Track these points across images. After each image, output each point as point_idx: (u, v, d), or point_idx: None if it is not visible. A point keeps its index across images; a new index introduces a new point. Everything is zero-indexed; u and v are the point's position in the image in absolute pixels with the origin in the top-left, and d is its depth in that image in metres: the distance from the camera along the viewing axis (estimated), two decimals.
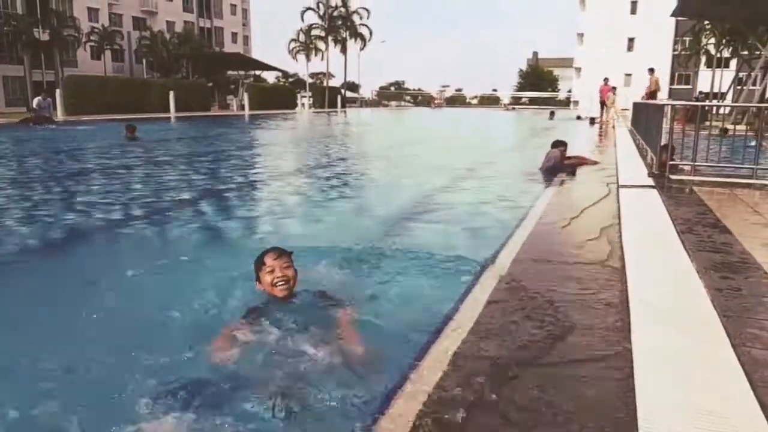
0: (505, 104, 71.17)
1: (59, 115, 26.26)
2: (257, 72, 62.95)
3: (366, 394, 2.47)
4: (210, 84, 46.80)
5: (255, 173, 11.23)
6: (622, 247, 4.48)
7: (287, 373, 2.64)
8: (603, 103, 28.49)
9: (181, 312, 3.44)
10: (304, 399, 2.43)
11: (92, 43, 58.21)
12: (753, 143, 12.15)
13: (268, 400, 2.40)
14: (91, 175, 10.34)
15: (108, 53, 60.65)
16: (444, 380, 2.43)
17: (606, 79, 29.10)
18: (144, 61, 61.66)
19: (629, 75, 65.88)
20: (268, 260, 3.34)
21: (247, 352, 2.84)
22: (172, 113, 31.74)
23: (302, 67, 69.48)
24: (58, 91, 28.52)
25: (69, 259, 5.16)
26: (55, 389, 2.63)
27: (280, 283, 3.28)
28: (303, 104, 52.74)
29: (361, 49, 66.92)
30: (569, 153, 10.66)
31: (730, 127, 14.81)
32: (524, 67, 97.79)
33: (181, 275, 4.30)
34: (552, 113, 40.47)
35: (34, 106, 24.66)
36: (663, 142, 8.89)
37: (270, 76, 78.65)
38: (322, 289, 3.49)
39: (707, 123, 12.93)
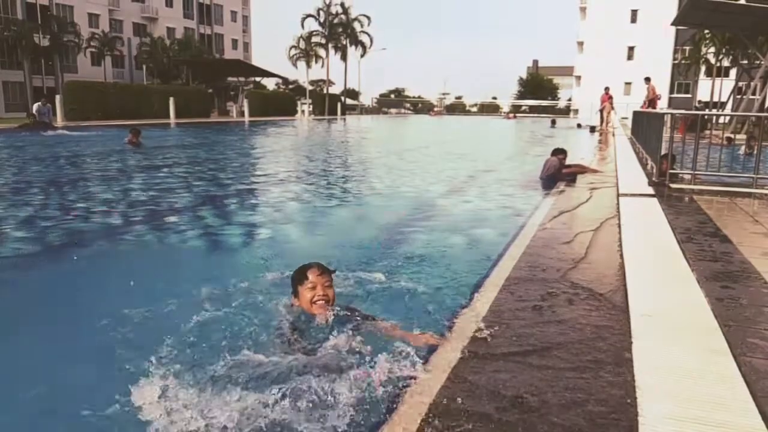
0: (505, 112, 71.40)
1: (59, 120, 26.24)
2: (257, 78, 63.13)
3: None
4: (210, 90, 46.86)
5: (256, 180, 11.22)
6: (622, 256, 4.47)
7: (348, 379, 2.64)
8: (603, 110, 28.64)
9: (183, 316, 3.43)
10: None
11: (92, 49, 58.34)
12: (741, 151, 12.19)
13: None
14: (91, 181, 10.33)
15: (108, 59, 60.78)
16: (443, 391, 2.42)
17: (607, 88, 29.20)
18: (144, 67, 61.78)
19: (629, 84, 66.11)
20: (312, 275, 3.24)
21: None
22: (172, 119, 31.77)
23: (302, 74, 69.55)
24: (57, 97, 28.52)
25: (69, 264, 5.15)
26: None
27: (321, 302, 3.19)
28: (303, 111, 52.77)
29: (362, 56, 67.17)
30: (569, 161, 10.67)
31: (731, 136, 14.83)
32: (524, 75, 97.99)
33: (183, 281, 4.29)
34: (553, 121, 40.71)
35: (34, 111, 24.64)
36: (663, 150, 8.88)
37: (270, 83, 78.87)
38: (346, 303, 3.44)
39: (707, 132, 12.94)
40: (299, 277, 3.29)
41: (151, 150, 15.60)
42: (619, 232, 5.33)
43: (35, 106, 24.99)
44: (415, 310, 3.64)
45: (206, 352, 3.00)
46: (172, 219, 7.00)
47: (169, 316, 3.46)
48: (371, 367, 2.67)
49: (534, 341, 2.94)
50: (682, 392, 2.33)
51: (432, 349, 2.88)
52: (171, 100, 32.44)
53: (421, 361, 2.68)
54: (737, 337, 2.90)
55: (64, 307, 3.90)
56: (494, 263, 4.52)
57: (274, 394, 2.47)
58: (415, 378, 2.56)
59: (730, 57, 43.28)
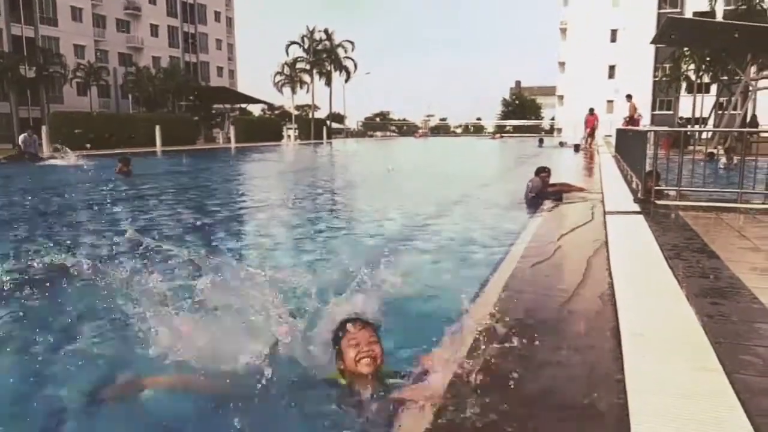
0: (491, 133, 72.15)
1: (45, 151, 26.14)
2: (243, 105, 63.31)
3: None
4: (196, 118, 46.93)
5: (243, 206, 11.19)
6: (611, 274, 4.47)
7: None
8: (591, 131, 29.30)
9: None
10: None
11: (78, 79, 58.34)
12: (721, 163, 12.32)
13: None
14: (78, 211, 10.26)
15: (94, 89, 60.78)
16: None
17: (591, 109, 29.81)
18: (130, 96, 61.86)
19: (611, 101, 66.96)
20: (351, 329, 2.99)
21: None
22: (158, 147, 31.74)
23: (288, 100, 69.90)
24: (44, 128, 28.46)
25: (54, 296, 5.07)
26: None
27: (366, 358, 2.92)
28: (289, 136, 52.94)
29: (346, 81, 67.64)
30: (554, 180, 10.73)
31: (714, 151, 15.01)
32: (507, 96, 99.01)
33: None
34: (541, 140, 41.04)
35: (20, 143, 24.55)
36: (647, 167, 8.96)
37: (256, 109, 79.18)
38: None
39: (690, 148, 13.09)
40: (340, 332, 3.05)
41: (141, 178, 15.52)
42: (607, 250, 5.34)
43: (21, 138, 24.92)
44: (397, 337, 3.58)
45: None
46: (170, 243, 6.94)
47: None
48: None
49: (523, 362, 2.92)
50: (675, 411, 2.31)
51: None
52: (157, 128, 32.43)
53: None
54: (729, 354, 2.90)
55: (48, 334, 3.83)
56: (481, 286, 4.51)
57: None
58: None
59: (710, 73, 43.97)
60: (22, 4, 56.63)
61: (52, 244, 7.13)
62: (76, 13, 62.74)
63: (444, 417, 2.41)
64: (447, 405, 2.49)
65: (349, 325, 3.02)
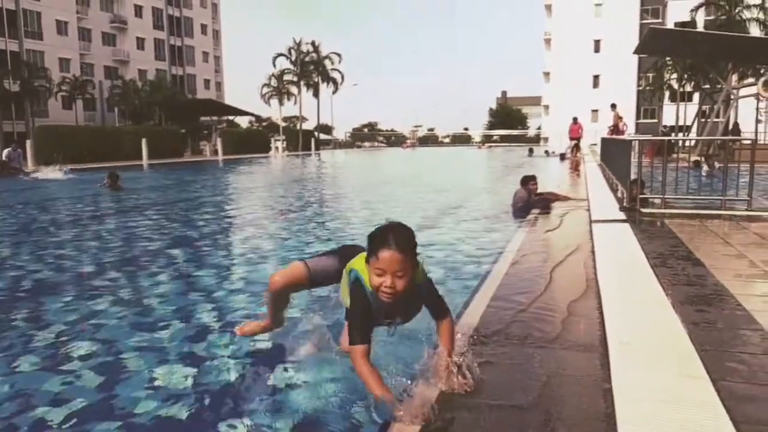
0: (479, 143, 72.67)
1: (30, 165, 25.96)
2: (230, 117, 63.30)
3: None
4: (183, 130, 46.79)
5: (231, 219, 11.15)
6: (597, 283, 4.50)
7: None
8: (577, 140, 29.51)
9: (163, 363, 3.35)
10: None
11: (63, 93, 58.11)
12: (703, 170, 12.46)
13: None
14: (61, 225, 10.19)
15: (79, 102, 60.52)
16: None
17: (575, 119, 30.09)
18: (116, 109, 61.65)
19: (596, 111, 67.62)
20: (383, 256, 2.73)
21: None
22: (145, 160, 31.60)
23: (275, 111, 70.04)
24: (28, 142, 28.28)
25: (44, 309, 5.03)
26: None
27: (386, 292, 2.77)
28: (277, 148, 52.90)
29: (334, 92, 67.93)
30: (541, 189, 10.78)
31: (698, 159, 15.19)
32: (494, 106, 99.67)
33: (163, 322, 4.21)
34: (531, 150, 41.36)
35: (4, 157, 24.37)
36: (632, 176, 9.04)
37: (243, 121, 79.19)
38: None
39: (674, 155, 13.23)
40: (373, 248, 2.79)
41: (129, 192, 15.44)
42: (593, 259, 5.37)
43: (5, 152, 24.76)
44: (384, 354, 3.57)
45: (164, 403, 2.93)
46: (148, 261, 6.91)
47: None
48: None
49: (510, 370, 2.93)
50: (661, 419, 2.32)
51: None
52: (143, 142, 32.30)
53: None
54: (714, 361, 2.92)
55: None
56: (470, 296, 4.52)
57: None
58: None
59: (693, 82, 44.52)
60: (7, 17, 56.43)
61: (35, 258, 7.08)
62: (62, 27, 62.62)
63: (434, 423, 2.41)
64: (436, 413, 2.49)
65: (381, 252, 2.74)
